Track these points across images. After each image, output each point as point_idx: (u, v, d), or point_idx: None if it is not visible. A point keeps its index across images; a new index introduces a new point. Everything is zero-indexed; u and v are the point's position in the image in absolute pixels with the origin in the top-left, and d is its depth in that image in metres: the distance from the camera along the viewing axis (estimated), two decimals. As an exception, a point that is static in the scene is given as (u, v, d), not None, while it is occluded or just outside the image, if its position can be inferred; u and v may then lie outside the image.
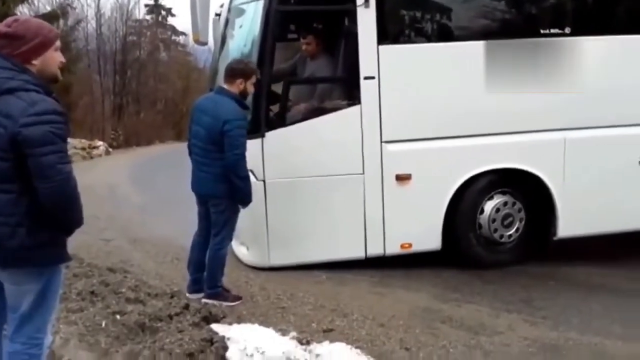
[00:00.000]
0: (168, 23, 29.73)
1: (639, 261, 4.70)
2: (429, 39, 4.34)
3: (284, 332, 3.11)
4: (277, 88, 4.21)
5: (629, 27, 4.53)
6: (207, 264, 3.69)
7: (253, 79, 3.65)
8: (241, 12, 4.58)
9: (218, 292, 3.69)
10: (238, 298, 3.75)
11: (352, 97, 4.21)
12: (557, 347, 3.38)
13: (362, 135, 4.19)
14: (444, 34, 4.37)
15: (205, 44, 4.84)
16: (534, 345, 3.37)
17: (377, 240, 4.30)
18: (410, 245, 4.36)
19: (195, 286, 3.75)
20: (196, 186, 3.70)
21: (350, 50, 4.21)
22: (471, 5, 4.41)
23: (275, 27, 4.13)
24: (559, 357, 3.26)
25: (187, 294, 3.73)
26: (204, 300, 3.62)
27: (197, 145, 3.62)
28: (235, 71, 3.62)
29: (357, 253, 4.32)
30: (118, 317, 3.19)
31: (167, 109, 24.48)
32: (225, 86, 3.63)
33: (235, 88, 3.59)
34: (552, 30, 4.40)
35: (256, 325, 3.21)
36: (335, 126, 4.18)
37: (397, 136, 4.26)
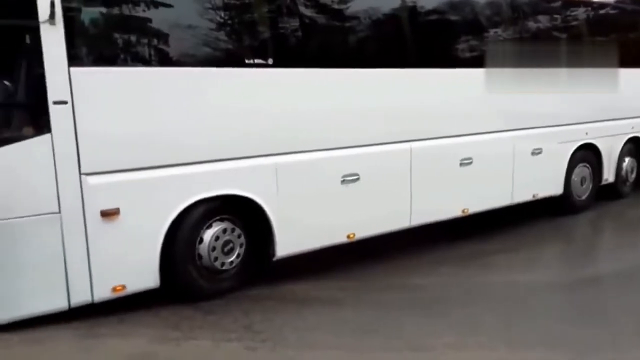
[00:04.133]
0: None
1: (345, 271, 5.17)
2: (130, 63, 4.05)
3: None
4: None
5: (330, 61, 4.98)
6: None
7: None
8: None
9: None
10: None
11: (39, 124, 3.65)
12: (274, 368, 3.43)
13: (55, 168, 3.66)
14: (149, 58, 4.13)
15: None
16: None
17: (83, 286, 3.80)
18: (123, 287, 3.96)
19: None
20: None
21: (35, 72, 3.65)
22: (178, 31, 4.26)
23: None
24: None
25: None
26: None
27: None
28: None
29: (58, 304, 3.74)
30: None
31: None
32: None
33: None
34: (256, 61, 4.57)
35: None
36: (18, 159, 3.57)
37: (100, 167, 3.85)
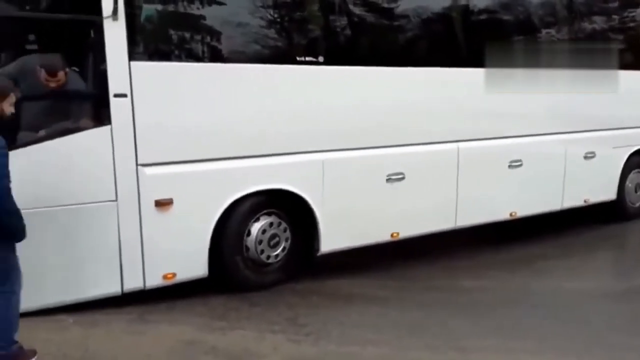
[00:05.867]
0: None
1: (389, 269, 5.18)
2: (188, 58, 4.18)
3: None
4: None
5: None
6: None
7: (12, 98, 3.12)
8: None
9: (15, 350, 3.09)
10: (34, 353, 3.17)
11: (100, 115, 3.81)
12: (317, 362, 3.47)
13: (113, 159, 3.81)
14: (205, 54, 4.25)
15: None
16: (296, 364, 3.41)
17: (136, 273, 3.94)
18: (174, 275, 4.09)
19: None
20: None
21: (96, 65, 3.81)
22: (234, 28, 4.37)
23: (1, 36, 3.57)
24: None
25: None
26: None
27: None
28: None
29: (112, 289, 3.90)
30: None
31: None
32: None
33: None
34: (307, 58, 4.61)
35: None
36: (80, 148, 3.72)
37: (155, 159, 3.97)
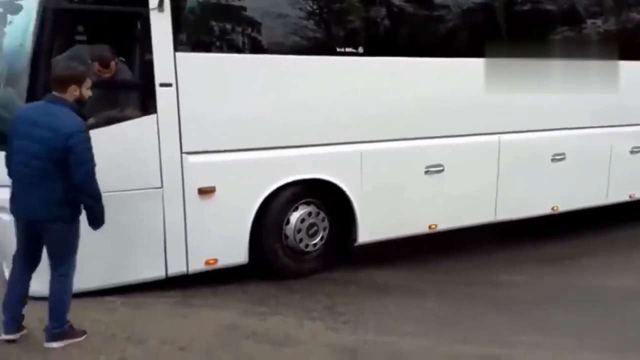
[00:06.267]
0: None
1: (426, 262, 5.18)
2: (230, 49, 4.24)
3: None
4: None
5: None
6: (54, 299, 3.23)
7: (88, 83, 3.26)
8: (13, 6, 4.00)
9: (66, 329, 3.26)
10: (83, 332, 3.35)
11: (147, 104, 3.91)
12: (355, 350, 3.50)
13: (159, 147, 3.92)
14: (247, 45, 4.30)
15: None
16: (334, 352, 3.44)
17: (179, 257, 4.05)
18: (215, 260, 4.19)
19: (14, 325, 3.27)
20: (26, 210, 3.18)
21: (143, 56, 3.90)
22: (275, 19, 4.40)
23: (53, 27, 3.69)
24: (356, 360, 3.36)
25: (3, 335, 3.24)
26: (52, 344, 3.20)
27: (28, 163, 3.11)
28: (63, 78, 3.20)
29: (157, 273, 4.02)
30: None
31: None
32: (57, 94, 3.18)
33: (69, 96, 3.18)
34: (347, 49, 4.61)
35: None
36: (127, 137, 3.83)
37: (199, 147, 4.07)
